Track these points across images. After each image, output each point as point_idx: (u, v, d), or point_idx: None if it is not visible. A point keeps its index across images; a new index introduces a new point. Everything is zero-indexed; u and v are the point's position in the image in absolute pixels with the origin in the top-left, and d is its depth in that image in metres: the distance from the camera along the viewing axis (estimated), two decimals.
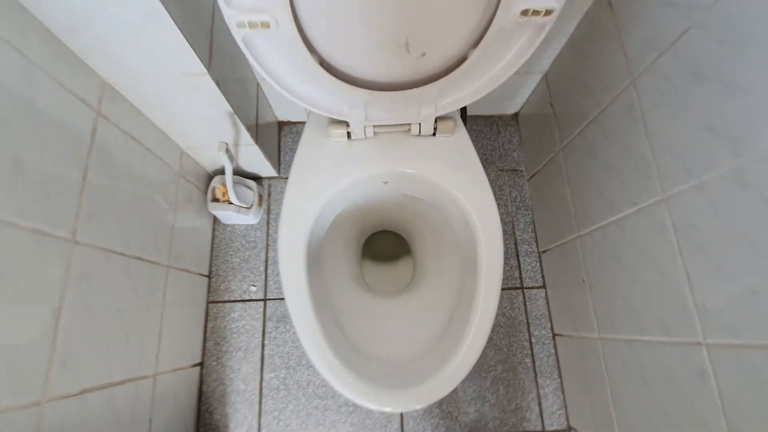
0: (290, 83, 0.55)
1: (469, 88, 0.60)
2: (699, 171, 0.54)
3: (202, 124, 0.77)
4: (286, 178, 1.07)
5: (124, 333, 0.65)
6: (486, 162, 1.12)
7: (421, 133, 0.66)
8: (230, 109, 0.74)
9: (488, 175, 1.10)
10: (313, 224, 0.64)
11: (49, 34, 0.53)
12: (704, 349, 0.55)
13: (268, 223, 1.05)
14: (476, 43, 0.53)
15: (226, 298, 0.99)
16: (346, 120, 0.62)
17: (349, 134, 0.65)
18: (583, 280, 0.83)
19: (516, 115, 1.16)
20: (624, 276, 0.70)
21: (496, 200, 0.67)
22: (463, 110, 0.76)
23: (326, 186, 0.65)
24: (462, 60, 0.55)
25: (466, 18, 0.49)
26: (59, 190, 0.53)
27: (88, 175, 0.59)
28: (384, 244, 0.96)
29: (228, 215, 0.98)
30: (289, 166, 1.10)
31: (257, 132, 0.90)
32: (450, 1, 0.47)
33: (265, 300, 0.99)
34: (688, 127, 0.56)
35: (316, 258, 0.70)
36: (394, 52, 0.53)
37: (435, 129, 0.66)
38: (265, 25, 0.45)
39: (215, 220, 1.05)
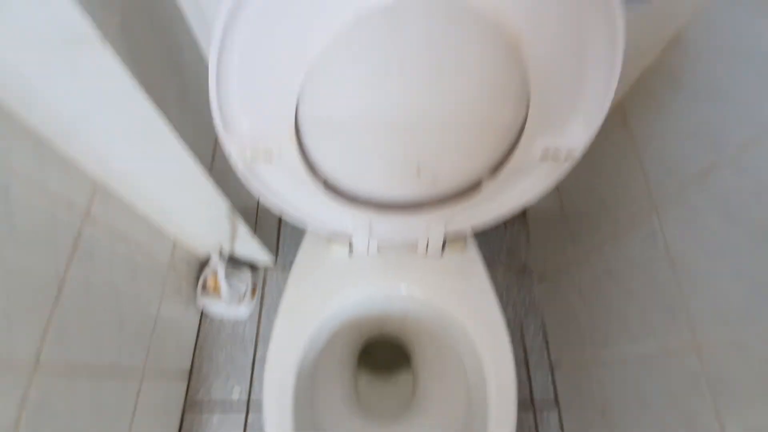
0: (290, 202, 0.51)
1: (481, 214, 0.57)
2: (735, 322, 0.48)
3: (198, 218, 0.74)
4: (283, 268, 1.03)
5: None
6: (492, 260, 1.07)
7: (429, 252, 0.61)
8: (229, 205, 0.71)
9: (495, 274, 1.05)
10: (306, 349, 0.57)
11: (38, 137, 0.50)
12: None
13: (259, 315, 0.98)
14: (492, 171, 0.50)
15: (205, 400, 0.89)
16: (349, 236, 0.58)
17: (351, 248, 0.61)
18: (602, 413, 0.74)
19: (524, 212, 1.13)
20: (648, 418, 0.61)
21: (502, 303, 0.60)
22: None
23: (321, 308, 0.59)
24: (475, 184, 0.52)
25: (482, 151, 0.47)
26: (27, 309, 0.47)
27: (64, 287, 0.53)
28: (382, 352, 0.88)
29: (217, 309, 0.91)
30: (288, 254, 1.06)
31: (257, 221, 0.87)
32: (468, 134, 0.45)
33: (248, 401, 0.89)
34: (721, 269, 0.51)
35: (306, 381, 0.62)
36: (404, 177, 0.50)
37: (444, 247, 0.61)
38: (268, 154, 0.42)
39: (203, 312, 0.97)
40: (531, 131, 0.40)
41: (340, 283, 0.60)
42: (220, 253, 0.66)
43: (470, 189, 0.52)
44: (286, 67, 0.33)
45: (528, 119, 0.39)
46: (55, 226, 0.52)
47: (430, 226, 0.57)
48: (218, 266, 0.70)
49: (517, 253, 1.09)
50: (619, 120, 0.70)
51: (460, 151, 0.46)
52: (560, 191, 0.93)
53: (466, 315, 0.59)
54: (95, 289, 0.59)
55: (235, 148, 0.40)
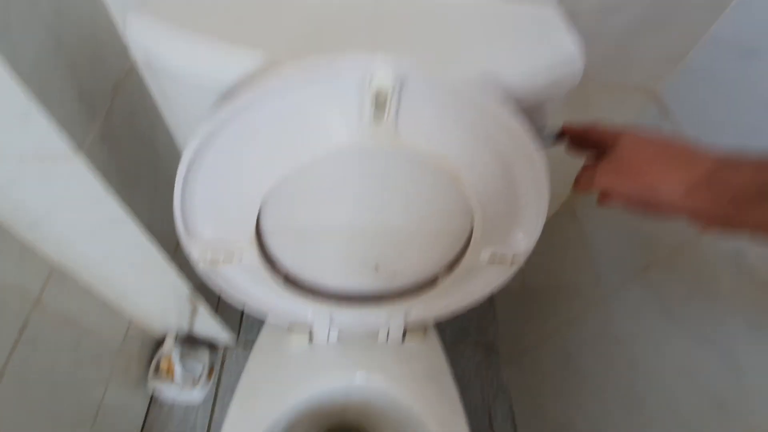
0: (251, 296, 0.52)
1: (439, 307, 0.58)
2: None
3: (158, 300, 0.72)
4: (244, 346, 0.99)
5: None
6: (461, 336, 1.07)
7: (389, 339, 0.62)
8: (191, 288, 0.70)
9: (463, 351, 1.05)
10: None
11: None
12: None
13: (214, 400, 0.92)
14: (447, 268, 0.52)
15: None
16: (309, 325, 0.58)
17: (311, 336, 0.61)
18: None
19: None
20: None
21: (470, 383, 0.60)
22: None
23: (279, 399, 0.57)
24: (432, 280, 0.54)
25: (436, 254, 0.50)
26: None
27: (2, 379, 0.50)
28: None
29: (169, 392, 0.86)
30: (251, 332, 1.02)
31: (219, 299, 0.85)
32: (421, 241, 0.48)
33: None
34: (668, 369, 0.53)
35: None
36: (363, 273, 0.52)
37: (404, 335, 0.62)
38: (229, 256, 0.43)
39: (152, 396, 0.91)
40: (477, 240, 0.43)
41: (300, 374, 0.59)
42: (176, 336, 0.64)
43: (428, 284, 0.55)
44: (247, 189, 0.36)
45: (473, 231, 0.42)
46: (4, 315, 0.50)
47: (391, 317, 0.58)
48: (173, 350, 0.67)
49: (486, 330, 1.09)
50: (569, 214, 0.76)
51: (416, 253, 0.49)
52: (524, 273, 0.96)
53: (424, 405, 0.58)
54: (32, 377, 0.55)
55: (196, 251, 0.41)
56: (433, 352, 0.63)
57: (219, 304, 0.85)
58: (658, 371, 0.55)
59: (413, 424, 0.63)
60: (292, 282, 0.52)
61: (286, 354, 0.60)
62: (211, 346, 0.97)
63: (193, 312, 0.77)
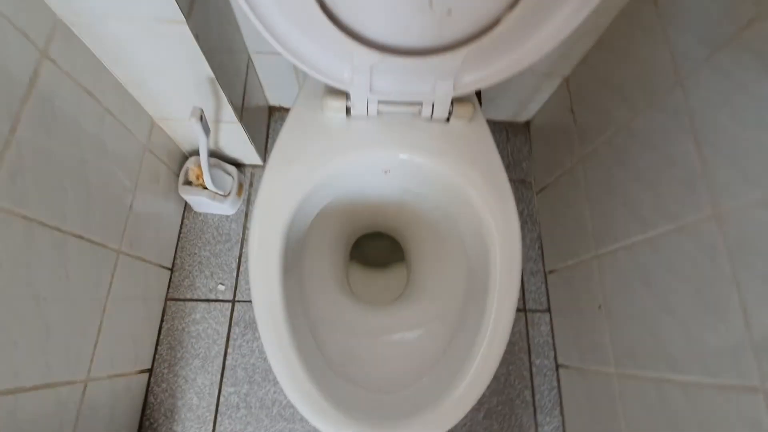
0: (281, 30, 0.44)
1: (497, 63, 0.51)
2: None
3: (176, 87, 0.66)
4: None
5: (44, 326, 0.52)
6: None
7: (434, 116, 0.56)
8: (211, 73, 0.63)
9: None
10: (296, 212, 0.53)
11: None
12: (760, 397, 0.45)
13: (246, 215, 0.93)
14: (513, 5, 0.43)
15: (188, 296, 0.86)
16: (347, 90, 0.52)
17: (348, 110, 0.55)
18: (599, 307, 0.73)
19: (528, 123, 1.08)
20: (655, 304, 0.60)
21: None
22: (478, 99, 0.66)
23: (315, 169, 0.54)
24: (494, 25, 0.45)
25: None
26: None
27: (18, 126, 0.47)
28: (376, 248, 0.85)
29: (201, 201, 0.86)
30: None
31: (242, 111, 0.79)
32: None
33: (233, 301, 0.86)
34: (754, 130, 0.47)
35: (294, 255, 0.58)
36: (415, 7, 0.43)
37: (450, 113, 0.56)
38: None
39: (186, 206, 0.92)
40: None
41: (336, 144, 0.54)
42: (201, 119, 0.58)
43: (487, 29, 0.46)
44: None
45: None
46: (7, 50, 0.45)
47: (439, 80, 0.51)
48: (199, 135, 0.61)
49: (519, 166, 1.04)
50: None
51: None
52: (571, 92, 0.86)
53: (471, 182, 0.54)
54: (57, 141, 0.52)
55: None
56: (480, 134, 0.57)
57: (243, 115, 0.79)
58: (736, 139, 0.48)
59: (453, 210, 0.61)
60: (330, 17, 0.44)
61: (321, 127, 0.56)
62: (238, 165, 0.95)
63: (217, 107, 0.72)
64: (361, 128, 0.56)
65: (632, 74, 0.68)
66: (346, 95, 0.54)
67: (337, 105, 0.54)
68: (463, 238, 0.62)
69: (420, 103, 0.54)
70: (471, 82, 0.51)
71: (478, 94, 0.65)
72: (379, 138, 0.55)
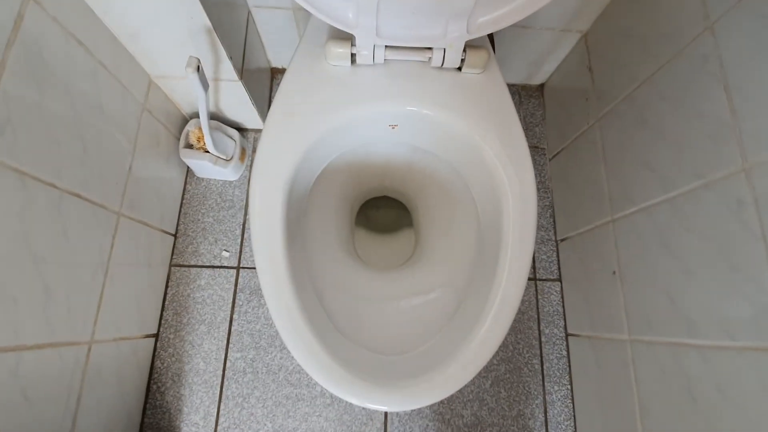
0: None
1: (512, 7, 0.47)
2: None
3: (171, 39, 0.63)
4: None
5: (43, 285, 0.50)
6: None
7: (445, 64, 0.52)
8: (208, 22, 0.59)
9: None
10: (298, 166, 0.50)
11: None
12: None
13: (249, 180, 0.90)
14: None
15: (193, 262, 0.85)
16: (352, 33, 0.48)
17: (353, 57, 0.51)
18: (614, 273, 0.71)
19: (542, 86, 1.03)
20: (673, 267, 0.57)
21: None
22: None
23: (318, 121, 0.51)
24: None
25: None
26: None
27: (3, 73, 0.44)
28: (383, 212, 0.83)
29: (202, 165, 0.83)
30: None
31: (243, 69, 0.76)
32: None
33: (238, 268, 0.85)
34: None
35: (298, 215, 0.56)
36: None
37: (463, 61, 0.52)
38: None
39: (188, 172, 0.90)
40: None
41: (340, 94, 0.51)
42: (198, 70, 0.55)
43: None
44: None
45: None
46: None
47: (452, 21, 0.47)
48: (196, 88, 0.57)
49: (532, 131, 1.00)
50: None
51: None
52: (589, 48, 0.82)
53: (484, 138, 0.51)
54: (46, 93, 0.50)
55: None
56: (495, 85, 0.54)
57: (243, 74, 0.76)
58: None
59: (466, 171, 0.58)
60: None
61: (324, 77, 0.52)
62: (241, 130, 0.92)
63: (216, 64, 0.68)
64: (367, 78, 0.52)
65: (656, 24, 0.63)
66: (350, 41, 0.50)
67: (341, 51, 0.50)
68: (475, 200, 0.59)
69: (430, 50, 0.51)
70: (486, 22, 0.47)
71: (492, 43, 0.61)
72: (386, 88, 0.52)
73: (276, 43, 0.89)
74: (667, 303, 0.58)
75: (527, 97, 1.02)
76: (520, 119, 1.00)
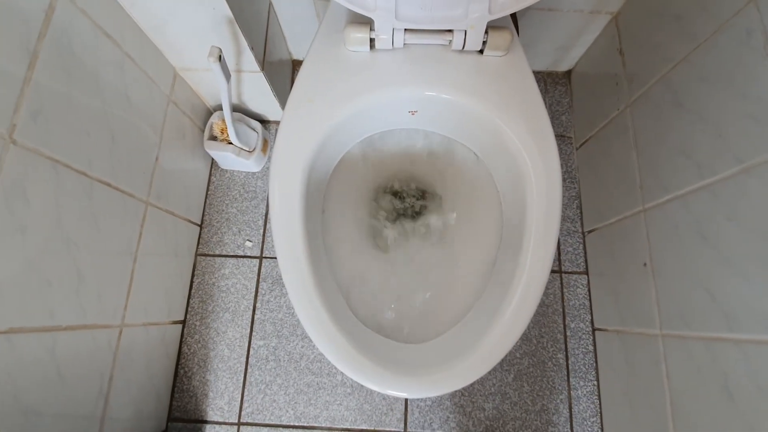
0: None
1: None
2: None
3: (194, 31, 0.64)
4: None
5: (76, 270, 0.53)
6: None
7: (466, 47, 0.51)
8: (230, 13, 0.60)
9: None
10: (317, 153, 0.50)
11: None
12: None
13: (269, 172, 0.91)
14: None
15: (217, 252, 0.87)
16: (371, 16, 0.47)
17: (372, 42, 0.51)
18: (645, 264, 0.68)
19: (569, 72, 0.99)
20: (711, 258, 0.54)
21: None
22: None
23: (337, 107, 0.50)
24: None
25: None
26: None
27: (36, 64, 0.46)
28: (402, 199, 0.81)
29: (226, 157, 0.85)
30: None
31: (264, 60, 0.76)
32: None
33: (261, 258, 0.86)
34: None
35: (317, 201, 0.56)
36: None
37: (484, 44, 0.50)
38: None
39: (213, 163, 0.92)
40: None
41: (359, 79, 0.51)
42: (220, 59, 0.56)
43: None
44: None
45: None
46: None
47: (471, 5, 0.46)
48: (218, 77, 0.58)
49: (558, 120, 0.97)
50: None
51: None
52: (620, 30, 0.78)
53: (508, 124, 0.50)
54: (76, 84, 0.52)
55: None
56: (519, 69, 0.52)
57: (264, 65, 0.76)
58: None
59: (488, 158, 0.57)
60: None
61: (343, 62, 0.52)
62: (263, 122, 0.93)
63: (238, 55, 0.69)
64: (386, 63, 0.51)
65: (694, 0, 0.59)
66: (369, 26, 0.49)
67: (360, 36, 0.49)
68: (497, 186, 0.57)
69: (450, 32, 0.49)
70: (509, 1, 0.45)
71: (516, 26, 0.59)
72: (405, 73, 0.51)
73: (297, 35, 0.89)
74: (704, 295, 0.55)
75: (553, 85, 0.99)
76: (546, 108, 0.97)
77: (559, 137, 0.96)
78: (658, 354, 0.64)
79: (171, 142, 0.74)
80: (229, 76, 0.62)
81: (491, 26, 0.49)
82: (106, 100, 0.57)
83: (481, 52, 0.52)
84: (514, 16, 0.60)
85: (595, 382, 0.81)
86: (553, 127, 0.96)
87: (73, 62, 0.51)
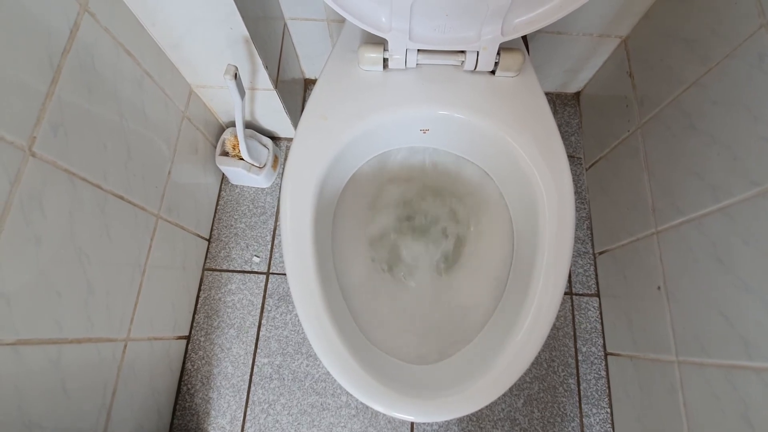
0: None
1: (546, 11, 0.45)
2: None
3: (211, 48, 0.65)
4: None
5: (86, 282, 0.53)
6: None
7: (478, 67, 0.51)
8: (246, 32, 0.62)
9: None
10: (329, 170, 0.50)
11: None
12: None
13: (281, 188, 0.92)
14: None
15: (224, 267, 0.86)
16: (385, 37, 0.48)
17: (385, 62, 0.52)
18: (659, 288, 0.66)
19: (578, 94, 1.00)
20: (728, 282, 0.53)
21: None
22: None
23: (349, 125, 0.51)
24: None
25: None
26: (16, 86, 0.41)
27: (59, 79, 0.47)
28: (413, 218, 0.81)
29: (237, 172, 0.86)
30: None
31: (278, 79, 0.78)
32: None
33: (268, 273, 0.86)
34: None
35: (327, 219, 0.56)
36: None
37: (496, 64, 0.51)
38: None
39: (224, 178, 0.93)
40: None
41: (372, 98, 0.51)
42: (236, 77, 0.57)
43: None
44: None
45: None
46: (47, 3, 0.45)
47: (486, 23, 0.46)
48: (233, 93, 0.59)
49: (568, 141, 0.97)
50: None
51: None
52: (629, 54, 0.79)
53: (520, 144, 0.50)
54: (96, 99, 0.53)
55: None
56: (530, 89, 0.52)
57: (278, 83, 0.78)
58: None
59: (500, 177, 0.57)
60: None
61: (357, 81, 0.53)
62: (274, 139, 0.95)
63: (252, 73, 0.71)
64: (399, 82, 0.52)
65: (705, 24, 0.60)
66: (383, 46, 0.50)
67: (374, 56, 0.50)
68: (509, 206, 0.57)
69: (463, 53, 0.50)
70: (522, 23, 0.46)
71: (527, 48, 0.60)
72: (418, 93, 0.52)
73: (310, 55, 0.91)
74: (722, 321, 0.54)
75: (562, 106, 1.00)
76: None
77: (569, 158, 0.95)
78: (675, 381, 0.62)
79: (184, 157, 0.75)
80: (244, 93, 0.64)
81: (503, 47, 0.50)
82: (124, 115, 0.58)
83: (492, 72, 0.52)
84: (524, 38, 0.61)
85: (608, 410, 0.78)
86: (566, 148, 0.96)
87: (94, 78, 0.52)
